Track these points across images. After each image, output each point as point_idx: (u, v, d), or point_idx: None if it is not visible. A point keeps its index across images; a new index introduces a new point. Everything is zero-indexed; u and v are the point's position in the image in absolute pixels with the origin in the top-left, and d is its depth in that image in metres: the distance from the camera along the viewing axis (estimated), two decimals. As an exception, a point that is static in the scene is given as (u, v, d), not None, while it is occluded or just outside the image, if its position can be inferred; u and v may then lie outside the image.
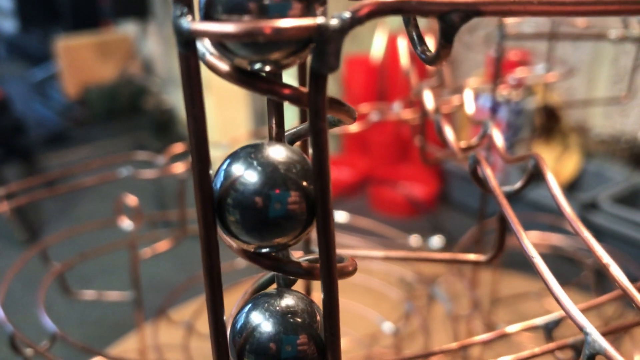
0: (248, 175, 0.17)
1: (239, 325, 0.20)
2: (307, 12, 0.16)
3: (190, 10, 0.15)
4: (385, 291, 0.77)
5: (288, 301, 0.20)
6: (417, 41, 0.19)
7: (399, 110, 0.64)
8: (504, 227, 0.29)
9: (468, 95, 0.47)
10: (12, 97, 1.94)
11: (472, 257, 0.32)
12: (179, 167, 0.57)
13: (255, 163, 0.18)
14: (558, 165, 1.38)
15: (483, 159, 0.30)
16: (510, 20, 0.70)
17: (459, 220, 1.44)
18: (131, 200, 0.57)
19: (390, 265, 0.76)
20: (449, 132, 0.35)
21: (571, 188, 1.39)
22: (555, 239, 0.95)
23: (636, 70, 0.69)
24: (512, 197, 0.30)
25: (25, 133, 1.83)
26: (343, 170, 1.73)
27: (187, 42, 0.15)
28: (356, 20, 0.15)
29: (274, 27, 0.14)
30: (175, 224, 0.67)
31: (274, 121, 0.21)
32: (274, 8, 0.16)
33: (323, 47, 0.15)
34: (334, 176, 1.28)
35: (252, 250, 0.19)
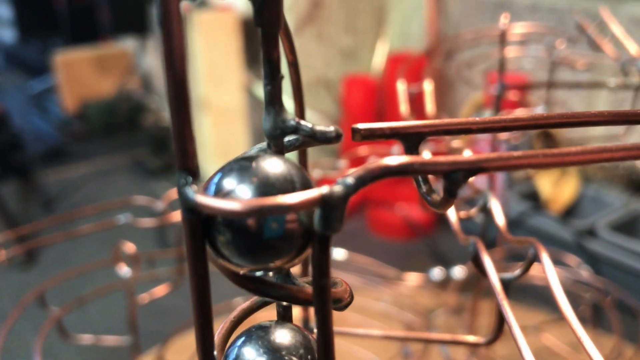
0: (241, 190, 0.16)
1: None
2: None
3: (195, 179, 0.15)
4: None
5: (284, 335, 0.19)
6: (421, 183, 0.19)
7: (398, 153, 0.64)
8: (502, 316, 0.29)
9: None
10: (10, 111, 1.94)
11: (471, 339, 0.32)
12: (178, 215, 0.57)
13: (249, 176, 0.16)
14: (556, 189, 1.38)
15: (483, 246, 0.30)
16: (510, 54, 0.70)
17: (457, 245, 1.44)
18: (129, 247, 0.57)
19: (388, 306, 0.76)
20: (452, 215, 0.35)
21: (569, 213, 1.39)
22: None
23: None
24: (510, 284, 0.30)
25: (22, 149, 1.83)
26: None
27: (191, 209, 0.15)
28: (360, 186, 0.15)
29: (279, 203, 0.14)
30: (174, 262, 0.67)
31: (267, 74, 0.19)
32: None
33: (328, 214, 0.15)
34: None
35: (241, 273, 0.17)
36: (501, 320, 0.30)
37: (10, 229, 1.45)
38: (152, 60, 2.33)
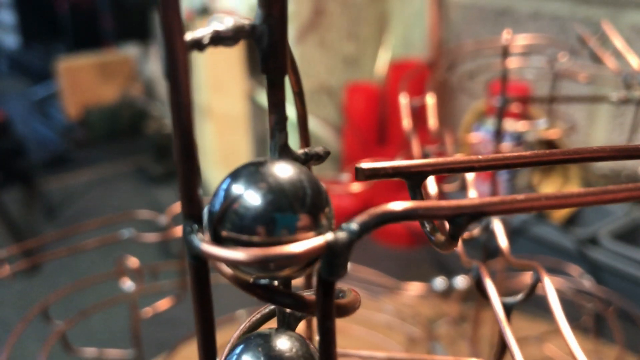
0: (249, 196, 0.16)
1: None
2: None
3: (200, 227, 0.15)
4: (386, 346, 0.77)
5: (283, 343, 0.19)
6: (425, 222, 0.19)
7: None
8: (504, 343, 0.29)
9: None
10: (12, 117, 1.95)
11: (474, 362, 0.32)
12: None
13: (257, 182, 0.16)
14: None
15: (485, 272, 0.30)
16: (512, 64, 0.70)
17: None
18: (132, 262, 0.57)
19: (392, 318, 0.76)
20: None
21: (571, 222, 1.39)
22: (556, 281, 0.95)
23: (637, 129, 0.69)
24: (512, 309, 0.30)
25: (25, 156, 1.83)
26: (343, 198, 1.73)
27: (197, 256, 0.15)
28: (365, 231, 0.15)
29: (285, 253, 0.14)
30: (177, 275, 0.67)
31: (274, 124, 0.19)
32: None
33: (332, 260, 0.15)
34: (335, 203, 1.29)
35: (250, 281, 0.17)
36: (503, 346, 0.30)
37: (13, 237, 1.46)
38: (154, 67, 2.34)
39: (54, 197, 1.75)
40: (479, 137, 0.90)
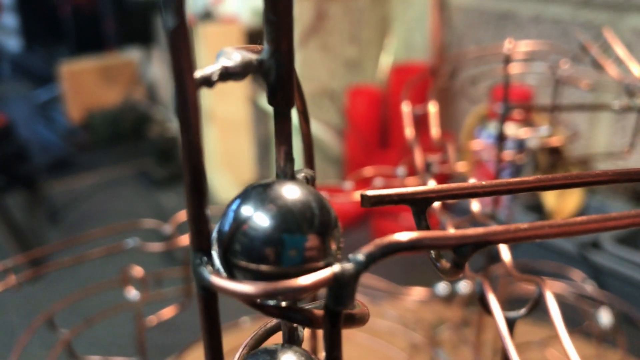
0: (259, 218, 0.16)
1: None
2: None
3: (209, 259, 0.15)
4: (389, 353, 0.77)
5: (290, 359, 0.19)
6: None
7: (403, 175, 0.65)
8: (507, 358, 0.29)
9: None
10: (15, 120, 1.95)
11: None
12: (187, 239, 0.58)
13: (266, 203, 0.16)
14: (560, 200, 1.38)
15: (489, 286, 0.30)
16: (514, 70, 0.70)
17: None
18: (137, 271, 0.58)
19: (395, 326, 0.76)
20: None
21: (573, 225, 1.39)
22: (558, 286, 0.95)
23: (638, 133, 0.69)
24: (514, 323, 0.30)
25: (28, 160, 1.84)
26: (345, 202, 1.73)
27: (206, 288, 0.16)
28: (371, 262, 0.16)
29: (292, 286, 0.15)
30: (181, 281, 0.67)
31: (282, 155, 0.19)
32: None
33: (339, 291, 0.15)
34: (337, 207, 1.29)
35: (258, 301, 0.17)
36: (507, 360, 0.30)
37: (17, 241, 1.46)
38: (157, 70, 2.35)
39: (57, 201, 1.75)
40: (481, 143, 0.90)
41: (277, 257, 0.16)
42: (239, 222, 0.16)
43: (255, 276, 0.16)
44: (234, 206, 0.17)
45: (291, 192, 0.17)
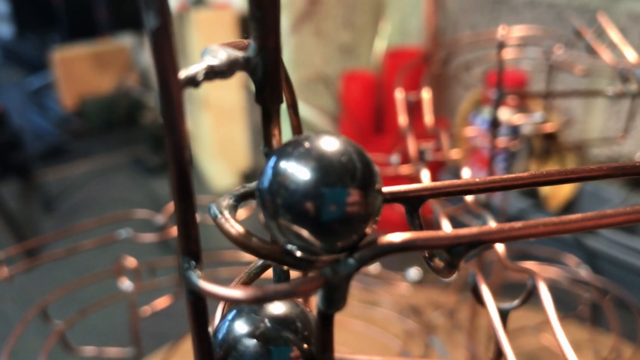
0: (300, 172, 0.15)
1: (220, 336, 0.18)
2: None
3: (198, 263, 0.15)
4: (384, 340, 0.77)
5: (278, 308, 0.18)
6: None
7: (397, 162, 0.65)
8: (499, 350, 0.29)
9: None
10: (8, 108, 1.94)
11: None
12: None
13: (306, 158, 0.15)
14: (555, 186, 1.38)
15: (481, 278, 0.30)
16: (509, 55, 0.70)
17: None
18: (130, 262, 0.57)
19: (390, 313, 0.76)
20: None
21: (568, 210, 1.39)
22: (552, 271, 0.95)
23: (633, 118, 0.69)
24: (507, 315, 0.30)
25: (21, 148, 1.82)
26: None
27: (194, 292, 0.15)
28: (362, 265, 0.15)
29: (281, 291, 0.14)
30: (175, 271, 0.67)
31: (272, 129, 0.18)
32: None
33: (331, 293, 0.15)
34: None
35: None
36: (499, 353, 0.30)
37: (11, 230, 1.46)
38: (150, 56, 2.33)
39: (51, 189, 1.75)
40: (475, 130, 0.90)
41: (317, 212, 0.15)
42: (278, 177, 0.15)
43: (295, 234, 0.15)
44: (271, 162, 0.16)
45: (332, 145, 0.16)
